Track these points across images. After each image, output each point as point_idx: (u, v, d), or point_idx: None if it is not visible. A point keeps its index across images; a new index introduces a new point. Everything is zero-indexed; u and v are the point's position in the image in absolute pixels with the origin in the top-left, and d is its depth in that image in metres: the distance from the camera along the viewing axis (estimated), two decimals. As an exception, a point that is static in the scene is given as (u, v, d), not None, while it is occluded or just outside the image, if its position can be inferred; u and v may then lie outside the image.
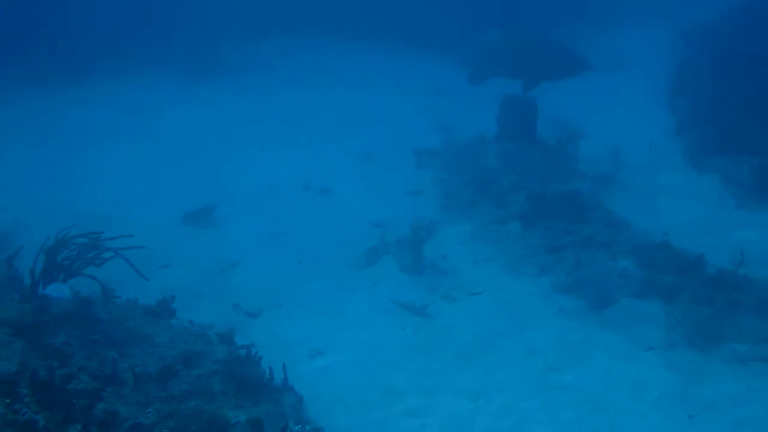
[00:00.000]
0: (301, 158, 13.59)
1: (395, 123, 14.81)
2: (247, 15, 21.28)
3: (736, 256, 8.43)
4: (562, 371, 7.60)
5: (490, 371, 7.70)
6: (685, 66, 15.49)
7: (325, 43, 20.09)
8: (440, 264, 10.01)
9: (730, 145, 11.90)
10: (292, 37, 20.77)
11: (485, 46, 12.49)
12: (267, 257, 10.41)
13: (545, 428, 6.81)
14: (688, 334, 7.73)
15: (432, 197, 11.86)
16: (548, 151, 12.25)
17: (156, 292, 7.81)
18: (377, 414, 7.16)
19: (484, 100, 13.69)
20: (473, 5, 19.02)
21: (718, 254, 9.14)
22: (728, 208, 10.84)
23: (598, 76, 13.08)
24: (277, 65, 19.32)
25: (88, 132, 15.12)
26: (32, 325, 6.06)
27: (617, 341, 7.97)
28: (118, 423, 5.05)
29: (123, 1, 19.98)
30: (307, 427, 6.14)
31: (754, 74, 12.23)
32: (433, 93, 16.40)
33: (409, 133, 14.13)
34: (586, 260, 9.41)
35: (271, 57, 19.87)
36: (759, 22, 13.38)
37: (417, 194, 12.04)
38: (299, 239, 10.94)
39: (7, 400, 4.58)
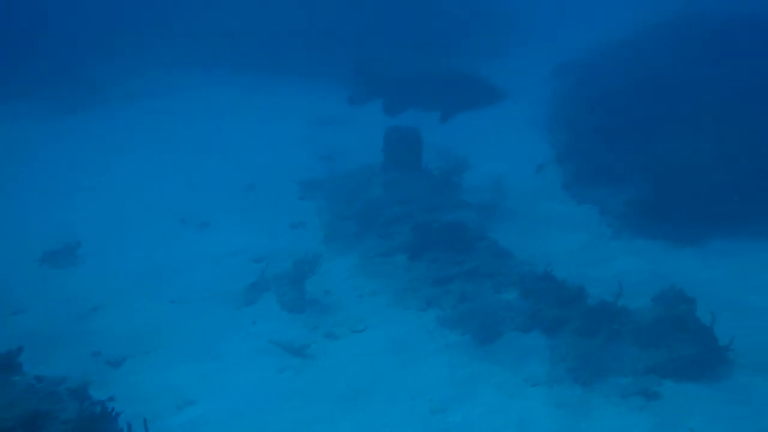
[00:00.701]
0: (178, 190, 12.84)
1: (279, 153, 14.36)
2: (127, 45, 20.43)
3: (615, 287, 8.50)
4: (449, 411, 7.30)
5: (374, 415, 7.29)
6: (561, 99, 15.98)
7: (209, 74, 19.46)
8: (323, 300, 9.57)
9: (607, 176, 12.23)
10: (175, 68, 20.01)
11: (399, 77, 12.33)
12: (135, 298, 9.61)
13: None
14: (572, 368, 7.64)
15: (315, 229, 11.46)
16: (434, 181, 12.15)
17: (5, 343, 6.91)
18: (251, 470, 6.58)
19: (372, 128, 13.48)
20: (363, 36, 19.12)
21: (598, 285, 9.21)
22: (606, 237, 11.06)
23: (485, 107, 13.27)
24: (156, 96, 18.49)
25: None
26: None
27: (503, 377, 7.78)
28: None
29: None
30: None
31: (623, 109, 12.69)
32: (320, 122, 16.10)
33: (294, 163, 13.72)
34: (471, 293, 9.25)
35: (152, 87, 19.01)
36: (622, 60, 13.97)
37: (300, 226, 11.62)
38: (173, 277, 10.24)
39: None
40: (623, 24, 17.36)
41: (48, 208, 12.27)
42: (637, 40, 15.85)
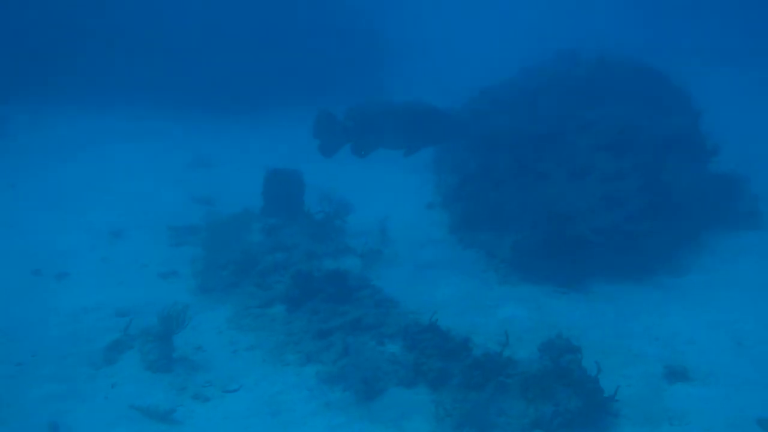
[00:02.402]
0: (34, 238, 11.64)
1: (151, 196, 13.42)
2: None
3: (501, 335, 8.24)
4: (327, 481, 6.67)
5: (243, 489, 6.55)
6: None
7: (72, 111, 18.21)
8: (193, 357, 8.74)
9: (494, 220, 12.15)
10: (34, 104, 18.63)
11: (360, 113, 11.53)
12: (-27, 362, 8.41)
13: None
14: (457, 425, 7.23)
15: (188, 279, 10.62)
16: (316, 225, 11.64)
17: None
18: None
19: (250, 169, 12.89)
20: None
21: (484, 333, 8.97)
22: (492, 283, 10.88)
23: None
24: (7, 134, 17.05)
25: None
26: None
27: (386, 438, 7.25)
28: None
29: None
30: None
31: (508, 150, 12.74)
32: (197, 165, 15.28)
33: (167, 208, 12.82)
34: (354, 346, 8.70)
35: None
36: (507, 101, 14.14)
37: (171, 276, 10.74)
38: (22, 336, 9.09)
39: None
40: (508, 65, 17.75)
41: None
42: (521, 81, 16.18)
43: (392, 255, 11.64)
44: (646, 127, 12.68)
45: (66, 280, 10.54)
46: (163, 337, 8.67)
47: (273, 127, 19.87)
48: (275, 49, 21.57)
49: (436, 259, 11.75)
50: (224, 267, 10.53)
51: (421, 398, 7.84)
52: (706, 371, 8.42)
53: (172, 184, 14.06)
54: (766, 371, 8.45)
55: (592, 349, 8.47)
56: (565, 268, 10.73)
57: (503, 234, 11.79)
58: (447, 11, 35.52)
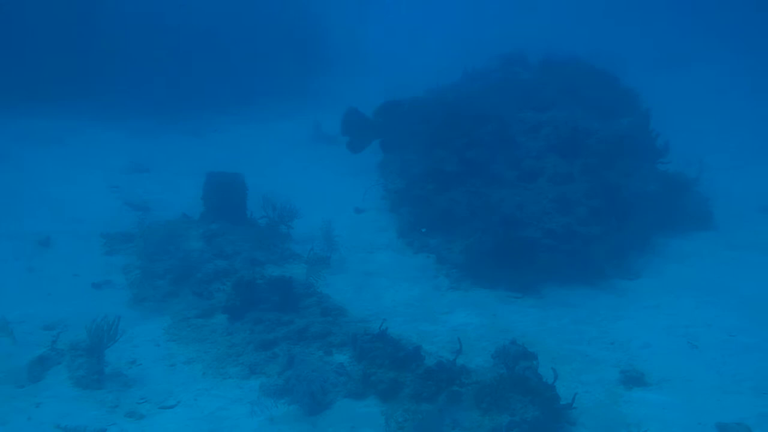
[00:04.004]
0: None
1: (83, 202, 12.64)
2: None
3: (454, 343, 7.90)
4: (269, 504, 6.18)
5: None
6: (393, 146, 15.62)
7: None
8: (127, 372, 8.13)
9: (444, 223, 11.84)
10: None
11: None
12: None
13: None
14: (409, 439, 6.82)
15: (122, 289, 9.98)
16: (260, 231, 11.13)
17: None
18: None
19: (190, 174, 12.27)
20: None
21: (437, 341, 8.61)
22: (443, 289, 10.57)
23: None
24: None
25: None
26: None
27: (334, 454, 6.81)
28: None
29: None
30: None
31: (457, 153, 12.47)
32: (133, 169, 14.53)
33: (100, 214, 12.08)
34: (299, 357, 8.23)
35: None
36: (452, 104, 13.87)
37: (104, 286, 10.06)
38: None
39: None
40: (453, 67, 17.55)
41: None
42: (467, 83, 15.96)
43: (340, 261, 11.22)
44: (596, 128, 12.59)
45: (-13, 292, 9.76)
46: (94, 351, 8.03)
47: (214, 132, 19.25)
48: (218, 55, 20.99)
49: (385, 264, 11.38)
50: (162, 276, 9.93)
51: (370, 411, 7.42)
52: (663, 376, 8.25)
53: (105, 189, 13.31)
54: (721, 374, 8.33)
55: (548, 355, 8.22)
56: (517, 272, 10.49)
57: (454, 238, 11.50)
58: (393, 16, 35.46)
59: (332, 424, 7.27)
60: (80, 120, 17.36)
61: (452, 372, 7.43)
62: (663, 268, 11.47)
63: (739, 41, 27.95)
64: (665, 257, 11.88)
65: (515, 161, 12.16)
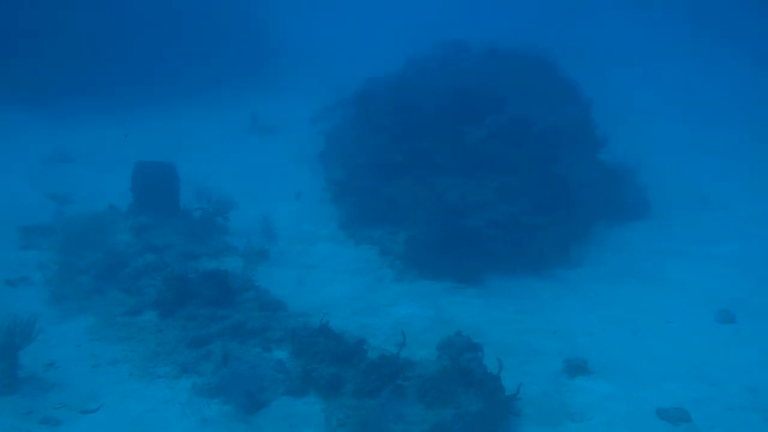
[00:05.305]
0: None
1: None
2: None
3: (398, 336, 7.61)
4: None
5: None
6: (336, 135, 15.30)
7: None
8: (44, 375, 7.53)
9: (386, 214, 11.56)
10: None
11: None
12: None
13: None
14: (351, 437, 6.49)
15: (39, 286, 9.28)
16: (193, 224, 10.59)
17: None
18: None
19: (118, 164, 11.60)
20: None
21: (380, 334, 8.32)
22: (387, 281, 10.28)
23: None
24: None
25: None
26: None
27: (271, 455, 6.41)
28: None
29: None
30: None
31: (399, 143, 12.21)
32: (55, 159, 13.70)
33: (17, 206, 11.28)
34: (235, 354, 7.80)
35: None
36: (395, 95, 13.62)
37: (19, 283, 9.36)
38: None
39: None
40: (394, 59, 17.28)
41: None
42: (408, 73, 15.71)
43: (279, 254, 10.80)
44: (540, 118, 12.50)
45: None
46: (5, 353, 7.39)
47: (148, 120, 18.42)
48: (152, 41, 20.13)
49: (326, 257, 11.01)
50: (85, 271, 9.30)
51: (311, 408, 7.05)
52: (605, 364, 8.19)
53: (23, 180, 12.44)
54: (661, 361, 8.33)
55: (493, 346, 8.01)
56: (462, 263, 10.29)
57: (397, 229, 11.22)
58: (337, 6, 35.06)
59: (270, 424, 6.89)
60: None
61: (396, 366, 7.14)
62: (602, 257, 11.50)
63: (706, 39, 28.79)
64: (605, 246, 11.92)
65: (459, 151, 11.94)
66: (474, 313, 9.30)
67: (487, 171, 11.50)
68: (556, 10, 33.23)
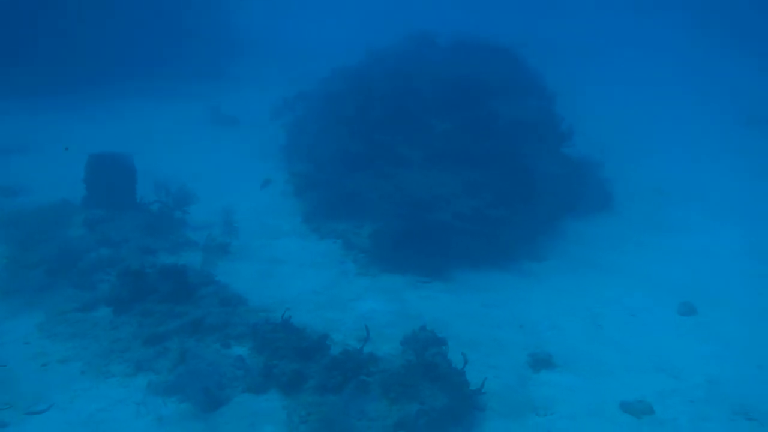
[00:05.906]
0: None
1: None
2: None
3: (361, 331, 7.44)
4: None
5: None
6: (298, 128, 15.04)
7: None
8: (-11, 375, 7.17)
9: (350, 208, 11.36)
10: None
11: None
12: None
13: None
14: (313, 433, 6.31)
15: (-16, 282, 8.89)
16: (151, 217, 10.26)
17: None
18: None
19: (71, 154, 11.17)
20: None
21: (343, 329, 8.13)
22: (351, 275, 10.08)
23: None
24: None
25: None
26: None
27: (230, 455, 6.19)
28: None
29: None
30: None
31: (363, 136, 12.01)
32: (4, 150, 13.17)
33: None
34: (193, 350, 7.55)
35: None
36: (357, 87, 13.43)
37: (-36, 279, 8.95)
38: None
39: None
40: (356, 51, 17.06)
41: None
42: (369, 66, 15.52)
43: (240, 248, 10.52)
44: (504, 111, 12.41)
45: None
46: (-52, 352, 7.06)
47: (104, 110, 17.86)
48: (107, 35, 19.51)
49: (289, 251, 10.77)
50: (35, 266, 8.91)
51: (272, 405, 6.85)
52: (569, 357, 8.14)
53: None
54: (624, 354, 8.32)
55: (458, 340, 7.90)
56: (427, 256, 10.16)
57: (361, 223, 11.03)
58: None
59: (229, 422, 6.67)
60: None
61: (359, 361, 6.98)
62: (567, 250, 11.48)
63: (681, 31, 29.09)
64: (569, 239, 11.91)
65: (423, 142, 11.79)
66: (439, 306, 9.17)
67: (452, 163, 11.37)
68: (528, 3, 33.37)
